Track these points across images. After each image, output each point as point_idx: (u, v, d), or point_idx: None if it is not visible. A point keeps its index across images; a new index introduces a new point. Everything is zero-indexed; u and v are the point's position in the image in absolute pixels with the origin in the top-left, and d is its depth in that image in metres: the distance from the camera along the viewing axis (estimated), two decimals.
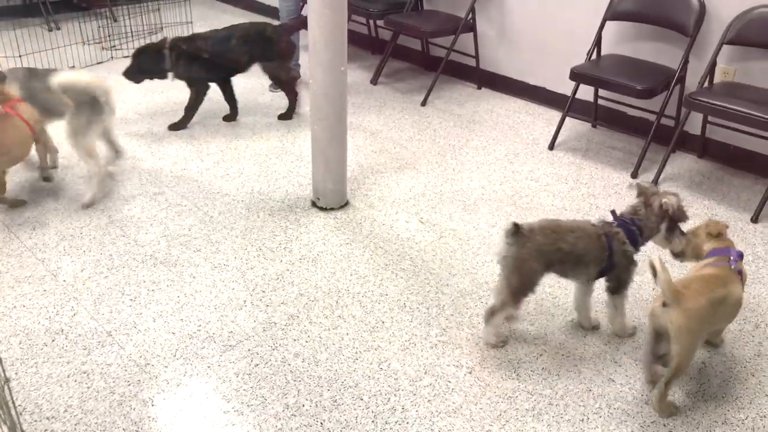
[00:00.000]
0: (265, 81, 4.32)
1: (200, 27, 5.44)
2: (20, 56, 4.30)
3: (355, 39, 5.05)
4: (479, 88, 4.42)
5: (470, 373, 2.06)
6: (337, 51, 2.64)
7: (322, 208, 2.94)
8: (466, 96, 4.32)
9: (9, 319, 2.22)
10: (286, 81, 3.79)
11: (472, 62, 4.40)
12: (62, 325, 2.21)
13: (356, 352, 2.13)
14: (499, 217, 2.92)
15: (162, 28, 5.29)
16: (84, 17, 5.52)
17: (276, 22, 3.85)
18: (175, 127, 3.66)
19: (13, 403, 1.77)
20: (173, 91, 4.16)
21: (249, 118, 3.84)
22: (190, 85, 3.63)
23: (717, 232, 2.09)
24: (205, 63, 3.52)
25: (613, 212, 2.13)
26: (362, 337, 2.20)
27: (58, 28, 5.24)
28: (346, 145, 2.88)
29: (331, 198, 2.93)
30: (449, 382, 2.02)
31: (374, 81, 4.48)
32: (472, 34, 4.26)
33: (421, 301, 2.38)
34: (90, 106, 2.76)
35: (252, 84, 4.34)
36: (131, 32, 5.16)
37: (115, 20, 5.51)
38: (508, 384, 2.02)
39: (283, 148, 3.50)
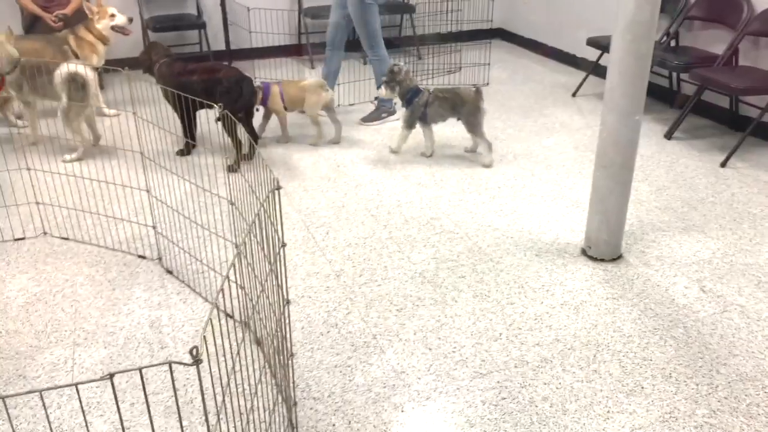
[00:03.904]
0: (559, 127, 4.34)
1: (497, 69, 5.69)
2: (339, 84, 4.93)
3: (652, 89, 4.81)
4: None
5: None
6: (634, 99, 2.56)
7: (592, 258, 2.84)
8: None
9: (297, 305, 2.55)
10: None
11: None
12: (337, 320, 2.47)
13: (608, 411, 2.01)
14: None
15: (460, 68, 5.64)
16: (394, 54, 6.14)
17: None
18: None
19: (293, 377, 2.03)
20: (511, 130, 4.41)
21: (529, 161, 3.89)
22: None
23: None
24: None
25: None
26: (617, 397, 2.07)
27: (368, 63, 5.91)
28: (629, 196, 2.76)
29: (603, 249, 2.82)
30: None
31: (669, 135, 4.21)
32: None
33: (690, 375, 2.16)
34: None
35: (551, 126, 4.39)
36: (432, 69, 5.60)
37: (420, 58, 6.03)
38: None
39: (559, 192, 3.47)
